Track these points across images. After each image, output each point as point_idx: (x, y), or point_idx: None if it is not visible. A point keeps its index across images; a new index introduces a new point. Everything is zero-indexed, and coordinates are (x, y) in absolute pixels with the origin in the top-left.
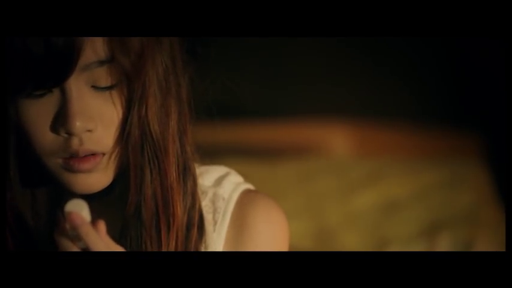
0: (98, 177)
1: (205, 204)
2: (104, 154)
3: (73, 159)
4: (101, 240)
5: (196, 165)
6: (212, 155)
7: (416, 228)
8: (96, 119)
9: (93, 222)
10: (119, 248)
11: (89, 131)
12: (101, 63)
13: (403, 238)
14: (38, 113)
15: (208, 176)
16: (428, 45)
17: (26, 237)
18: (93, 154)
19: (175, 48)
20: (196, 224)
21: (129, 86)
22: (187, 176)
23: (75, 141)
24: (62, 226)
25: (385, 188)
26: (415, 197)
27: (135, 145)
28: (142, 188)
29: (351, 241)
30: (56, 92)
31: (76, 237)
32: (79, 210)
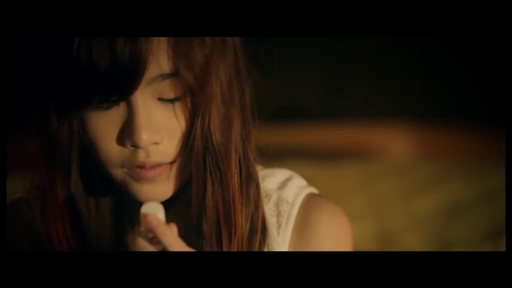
0: (162, 187)
1: (269, 207)
2: (169, 163)
3: (139, 168)
4: (178, 240)
5: (259, 167)
6: (274, 157)
7: (480, 232)
8: (162, 131)
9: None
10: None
11: (155, 143)
12: (166, 76)
13: (466, 241)
14: (104, 125)
15: (272, 179)
16: (492, 46)
17: (89, 245)
18: (159, 164)
19: (239, 58)
20: (260, 229)
21: (193, 98)
22: (249, 183)
23: (141, 154)
24: (136, 229)
25: (448, 190)
26: (478, 200)
27: (197, 157)
28: (204, 199)
29: (413, 243)
30: (122, 105)
31: (151, 240)
32: (155, 212)
